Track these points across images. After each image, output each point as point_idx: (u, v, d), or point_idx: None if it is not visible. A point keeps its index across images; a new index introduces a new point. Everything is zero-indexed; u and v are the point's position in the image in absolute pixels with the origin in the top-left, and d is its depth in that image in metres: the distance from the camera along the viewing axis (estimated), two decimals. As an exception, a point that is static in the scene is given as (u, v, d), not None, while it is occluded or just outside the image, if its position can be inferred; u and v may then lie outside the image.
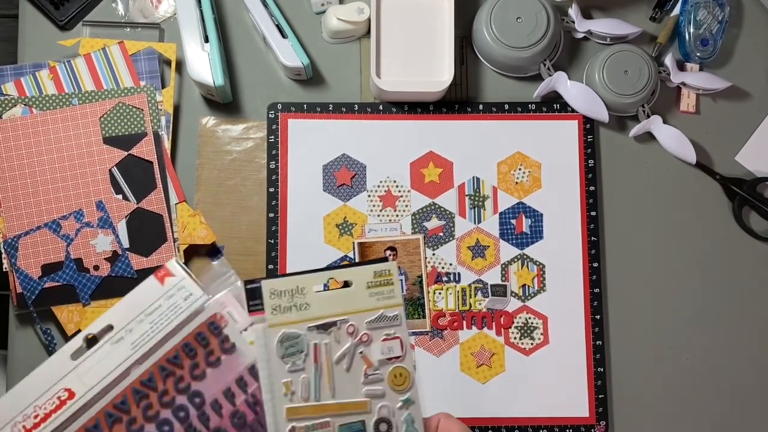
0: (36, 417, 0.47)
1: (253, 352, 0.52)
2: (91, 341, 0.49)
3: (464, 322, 0.79)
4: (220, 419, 0.52)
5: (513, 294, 0.80)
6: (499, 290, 0.80)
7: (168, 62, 0.80)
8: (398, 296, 0.53)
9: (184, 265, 0.51)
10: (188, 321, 0.52)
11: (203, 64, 0.76)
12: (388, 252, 0.79)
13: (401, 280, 0.79)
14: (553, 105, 0.83)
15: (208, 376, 0.52)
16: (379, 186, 0.81)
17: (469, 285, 0.80)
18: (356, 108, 0.82)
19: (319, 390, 0.51)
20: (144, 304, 0.48)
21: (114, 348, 0.49)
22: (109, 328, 0.49)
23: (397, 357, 0.52)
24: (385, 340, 0.52)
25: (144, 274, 0.76)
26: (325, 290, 0.52)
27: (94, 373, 0.47)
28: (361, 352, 0.52)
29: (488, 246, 0.80)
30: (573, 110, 0.82)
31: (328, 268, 0.57)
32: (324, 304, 0.52)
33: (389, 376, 0.52)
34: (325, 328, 0.52)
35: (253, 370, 0.53)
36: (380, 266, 0.53)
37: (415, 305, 0.79)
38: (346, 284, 0.53)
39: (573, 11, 0.83)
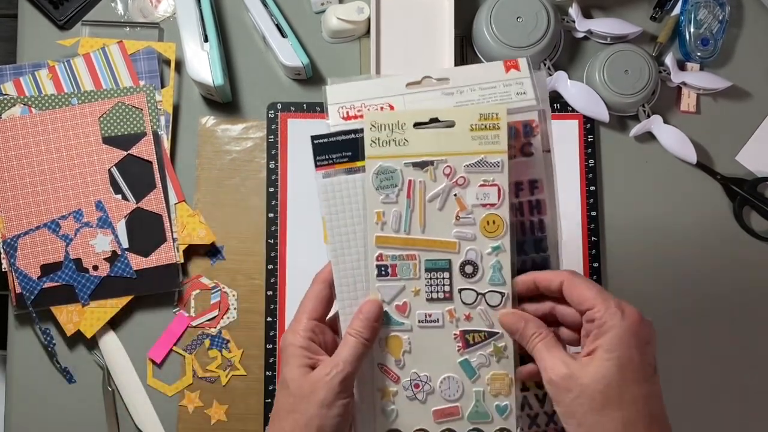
0: (358, 110, 0.54)
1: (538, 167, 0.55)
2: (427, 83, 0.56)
3: (464, 322, 0.79)
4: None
5: (513, 294, 0.79)
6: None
7: (167, 62, 0.80)
8: (503, 143, 0.52)
9: (533, 71, 0.55)
10: (509, 113, 0.53)
11: (203, 64, 0.76)
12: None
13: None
14: (554, 105, 0.83)
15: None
16: (379, 186, 0.81)
17: (469, 285, 0.79)
18: (356, 108, 0.82)
19: (409, 224, 0.52)
20: (484, 79, 0.54)
21: (442, 97, 0.54)
22: (445, 80, 0.55)
23: (493, 204, 0.52)
24: (482, 185, 0.52)
25: (143, 274, 0.76)
26: (426, 128, 0.52)
27: (417, 102, 0.54)
28: (455, 194, 0.52)
29: (488, 246, 0.80)
30: (573, 110, 0.82)
31: None
32: (423, 141, 0.52)
33: (482, 221, 0.52)
34: (421, 165, 0.52)
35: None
36: (487, 108, 0.52)
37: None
38: (449, 125, 0.52)
39: (573, 11, 0.83)
